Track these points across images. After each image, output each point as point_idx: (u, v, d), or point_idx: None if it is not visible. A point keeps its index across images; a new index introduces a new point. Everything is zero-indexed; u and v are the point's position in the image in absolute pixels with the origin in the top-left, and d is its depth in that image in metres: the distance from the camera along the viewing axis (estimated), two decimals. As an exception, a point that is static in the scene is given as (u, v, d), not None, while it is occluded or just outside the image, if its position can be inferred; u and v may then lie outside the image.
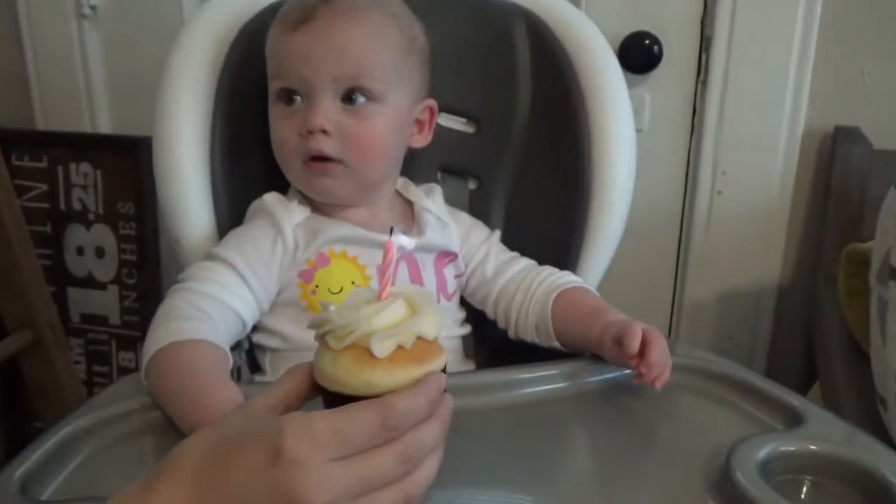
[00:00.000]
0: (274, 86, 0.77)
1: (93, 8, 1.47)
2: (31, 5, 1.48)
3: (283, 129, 0.77)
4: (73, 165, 1.53)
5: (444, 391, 0.47)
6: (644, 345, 0.67)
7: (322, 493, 0.41)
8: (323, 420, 0.43)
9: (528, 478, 0.61)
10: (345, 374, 0.45)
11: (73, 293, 1.59)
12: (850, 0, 1.25)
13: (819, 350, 1.20)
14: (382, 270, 0.48)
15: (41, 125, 1.56)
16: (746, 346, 1.43)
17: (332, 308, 0.48)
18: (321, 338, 0.47)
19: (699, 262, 1.41)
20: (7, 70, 1.55)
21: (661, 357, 0.67)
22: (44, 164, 1.54)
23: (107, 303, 1.57)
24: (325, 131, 0.75)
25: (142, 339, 1.59)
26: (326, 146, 0.75)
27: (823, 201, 1.30)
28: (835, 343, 1.11)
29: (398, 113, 0.79)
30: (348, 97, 0.75)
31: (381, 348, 0.45)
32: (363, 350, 0.45)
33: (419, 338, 0.47)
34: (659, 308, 1.47)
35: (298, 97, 0.76)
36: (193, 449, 0.44)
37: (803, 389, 1.27)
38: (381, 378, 0.45)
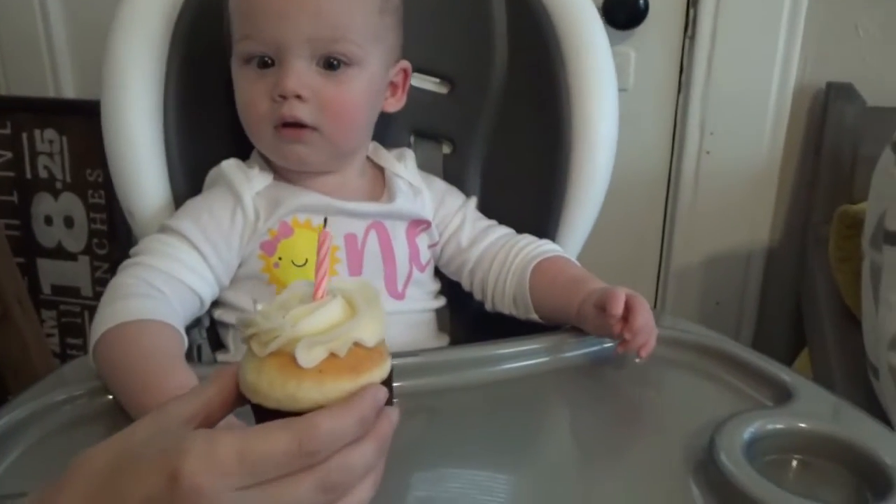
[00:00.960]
0: (242, 47, 0.72)
1: (53, -34, 1.41)
2: (-12, -35, 1.43)
3: (251, 93, 0.73)
4: (37, 132, 1.49)
5: (392, 402, 0.43)
6: (628, 309, 0.65)
7: None
8: (230, 443, 0.38)
9: (508, 457, 0.59)
10: (268, 385, 0.40)
11: (44, 264, 1.56)
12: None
13: (808, 315, 1.18)
14: (318, 265, 0.43)
15: (3, 90, 1.52)
16: (734, 310, 1.42)
17: (260, 307, 0.43)
18: (246, 341, 0.42)
19: (686, 225, 1.40)
20: (-35, 33, 1.50)
21: (646, 323, 0.65)
22: (7, 131, 1.50)
23: (78, 274, 1.54)
24: (299, 97, 0.70)
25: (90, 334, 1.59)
26: (301, 112, 0.71)
27: (814, 161, 1.28)
28: (825, 308, 1.09)
29: (374, 77, 0.75)
30: (327, 62, 0.71)
31: (308, 357, 0.40)
32: (289, 358, 0.40)
33: (356, 344, 0.41)
34: (645, 272, 1.45)
35: (269, 59, 0.71)
36: (93, 463, 0.40)
37: (792, 356, 1.26)
38: (308, 392, 0.40)
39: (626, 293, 0.66)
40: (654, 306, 1.20)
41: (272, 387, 0.40)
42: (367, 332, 0.42)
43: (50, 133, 1.48)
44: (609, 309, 0.65)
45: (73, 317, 1.58)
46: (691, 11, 1.28)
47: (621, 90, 1.28)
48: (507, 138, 0.88)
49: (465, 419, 0.64)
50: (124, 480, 0.39)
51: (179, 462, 0.37)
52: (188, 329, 0.70)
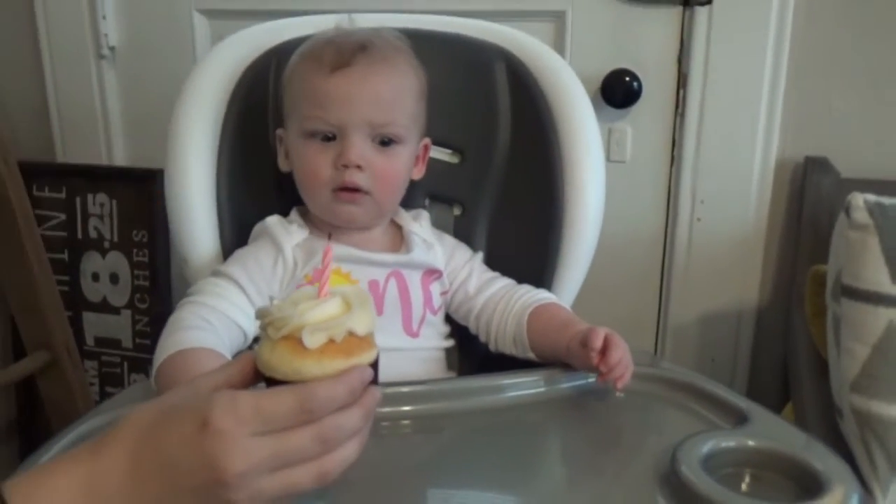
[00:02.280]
0: (310, 124, 0.84)
1: (111, 49, 1.55)
2: (53, 45, 1.56)
3: (316, 161, 0.84)
4: (90, 196, 1.60)
5: (374, 383, 0.51)
6: (606, 346, 0.74)
7: (240, 462, 0.46)
8: (247, 398, 0.47)
9: (507, 473, 0.66)
10: (278, 361, 0.49)
11: (89, 317, 1.64)
12: (816, 40, 1.31)
13: (791, 368, 1.24)
14: (320, 273, 0.53)
15: (61, 158, 1.64)
16: (728, 366, 1.47)
17: (276, 302, 0.52)
18: (263, 328, 0.51)
19: (681, 286, 1.45)
20: (30, 106, 1.63)
21: (620, 358, 0.74)
22: (62, 195, 1.61)
23: (120, 327, 1.63)
24: (359, 167, 0.83)
25: (151, 362, 1.66)
26: (360, 179, 0.84)
27: (796, 227, 1.34)
28: (803, 361, 1.16)
29: (412, 151, 0.88)
30: (379, 139, 0.84)
31: (312, 340, 0.49)
32: (297, 341, 0.49)
33: (350, 333, 0.50)
34: (645, 331, 1.50)
35: (332, 135, 0.84)
36: (136, 418, 0.50)
37: (780, 407, 1.31)
38: (310, 368, 0.49)
39: (605, 332, 0.75)
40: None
41: (282, 362, 0.49)
42: (360, 324, 0.51)
43: (101, 197, 1.59)
44: (589, 343, 0.74)
45: (113, 367, 1.65)
46: (681, 92, 1.36)
47: (619, 162, 1.42)
48: (509, 203, 0.97)
49: (469, 440, 0.72)
50: (163, 430, 0.48)
51: (208, 412, 0.46)
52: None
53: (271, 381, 0.51)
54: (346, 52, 0.83)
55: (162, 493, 0.47)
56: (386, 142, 0.85)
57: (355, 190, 0.84)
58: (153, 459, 0.48)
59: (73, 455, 0.50)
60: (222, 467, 0.46)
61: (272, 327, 0.50)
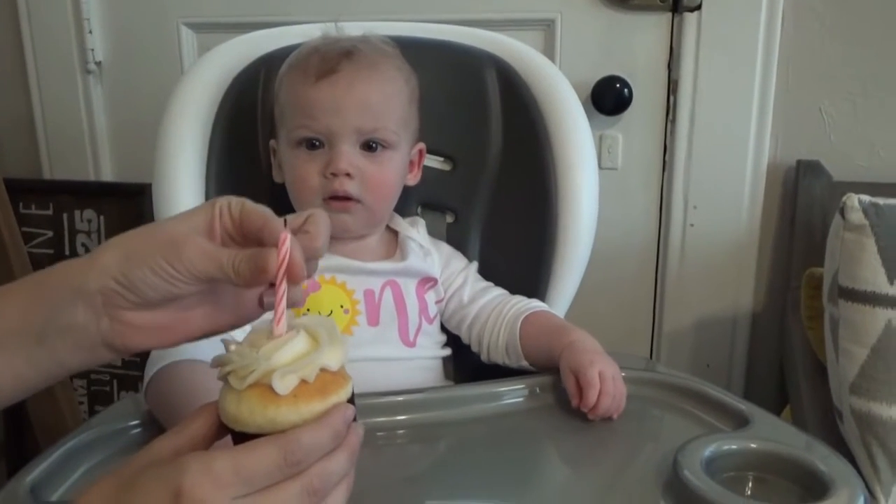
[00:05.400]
0: (298, 133, 0.83)
1: (97, 64, 1.55)
2: (39, 61, 1.56)
3: (304, 170, 0.83)
4: (77, 212, 1.59)
5: (355, 419, 0.47)
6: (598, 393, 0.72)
7: None
8: (224, 458, 0.42)
9: (503, 480, 0.66)
10: (248, 413, 0.44)
11: None
12: (805, 44, 1.32)
13: (788, 372, 1.24)
14: (277, 267, 0.47)
15: (47, 174, 1.62)
16: (724, 371, 1.47)
17: (233, 347, 0.46)
18: (224, 377, 0.46)
19: (675, 292, 1.45)
20: (16, 122, 1.62)
21: (608, 407, 0.72)
22: (49, 212, 1.60)
23: (109, 344, 1.62)
24: (348, 174, 0.82)
25: (142, 378, 1.64)
26: (350, 187, 0.83)
27: (790, 231, 1.34)
28: (800, 364, 1.16)
29: (404, 157, 0.87)
30: (367, 145, 0.83)
31: (284, 385, 0.44)
32: (266, 388, 0.44)
33: (322, 370, 0.46)
34: (639, 337, 1.50)
35: (320, 143, 0.83)
36: (95, 492, 0.44)
37: (777, 411, 1.31)
38: (286, 415, 0.44)
39: (599, 372, 0.71)
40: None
41: (252, 414, 0.44)
42: (332, 358, 0.46)
43: (89, 213, 1.57)
44: (584, 401, 0.72)
45: (102, 385, 1.63)
46: (671, 98, 1.37)
47: (611, 169, 1.42)
48: (502, 209, 0.97)
49: (466, 449, 0.71)
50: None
51: (181, 479, 0.41)
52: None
53: (239, 436, 0.45)
54: (332, 59, 0.82)
55: None
56: (373, 147, 0.84)
57: (346, 199, 0.83)
58: None
59: None
60: None
61: (235, 377, 0.45)
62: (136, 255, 0.49)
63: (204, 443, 0.47)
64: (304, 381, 0.45)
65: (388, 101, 0.84)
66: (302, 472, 0.44)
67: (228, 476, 0.42)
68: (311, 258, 0.51)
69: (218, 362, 0.46)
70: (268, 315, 0.49)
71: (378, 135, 0.83)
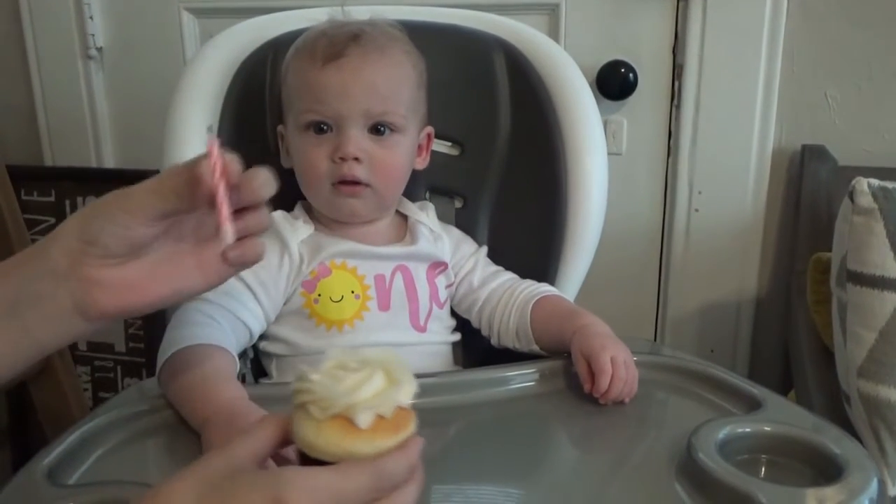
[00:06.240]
0: (306, 117, 0.83)
1: (99, 49, 1.54)
2: (39, 47, 1.55)
3: (313, 154, 0.83)
4: (79, 199, 1.58)
5: None
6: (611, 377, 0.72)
7: None
8: (322, 478, 0.45)
9: (513, 464, 0.66)
10: (325, 443, 0.47)
11: None
12: (811, 28, 1.32)
13: (793, 357, 1.24)
14: (212, 170, 0.50)
15: (49, 161, 1.62)
16: (728, 356, 1.47)
17: (315, 377, 0.49)
18: (301, 405, 0.48)
19: (680, 277, 1.45)
20: (17, 109, 1.61)
21: (619, 392, 0.72)
22: (52, 199, 1.59)
23: (112, 331, 1.61)
24: (357, 159, 0.82)
25: (146, 365, 1.64)
26: (358, 171, 0.82)
27: (794, 216, 1.34)
28: (806, 349, 1.16)
29: (412, 140, 0.87)
30: (376, 129, 0.83)
31: (365, 420, 0.47)
32: (345, 420, 0.47)
33: (398, 406, 0.49)
34: (644, 322, 1.50)
35: (328, 127, 0.83)
36: (182, 493, 0.45)
37: (782, 395, 1.32)
38: (363, 447, 0.47)
39: (611, 358, 0.72)
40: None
41: (329, 443, 0.47)
42: (406, 396, 0.49)
43: (91, 199, 1.54)
44: (597, 386, 0.72)
45: (106, 372, 1.63)
46: (676, 83, 1.36)
47: (616, 154, 1.42)
48: (511, 194, 0.97)
49: (476, 433, 0.72)
50: (230, 496, 0.44)
51: (281, 490, 0.44)
52: (235, 360, 0.78)
53: (310, 459, 0.48)
54: (339, 43, 0.82)
55: None
56: (381, 130, 0.83)
57: (355, 183, 0.83)
58: None
59: None
60: None
61: (316, 406, 0.48)
62: (93, 211, 0.55)
63: (273, 451, 0.50)
64: (380, 417, 0.48)
65: (396, 84, 0.84)
66: (383, 498, 0.47)
67: (325, 494, 0.44)
68: (253, 199, 0.55)
69: (300, 391, 0.49)
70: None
71: (386, 118, 0.83)
